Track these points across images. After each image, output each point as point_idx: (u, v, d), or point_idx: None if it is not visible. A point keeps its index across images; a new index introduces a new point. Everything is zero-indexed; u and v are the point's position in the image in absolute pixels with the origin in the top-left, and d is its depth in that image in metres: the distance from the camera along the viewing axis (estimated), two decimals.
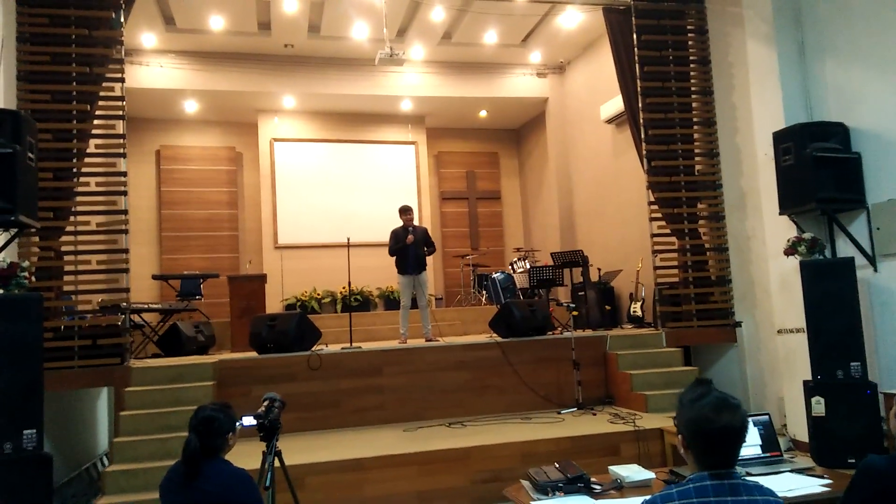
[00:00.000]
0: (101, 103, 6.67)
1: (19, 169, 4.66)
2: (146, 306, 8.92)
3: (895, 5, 5.83)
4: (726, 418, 1.88)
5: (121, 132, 6.73)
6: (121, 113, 6.76)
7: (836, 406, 5.85)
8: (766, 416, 2.99)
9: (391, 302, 11.38)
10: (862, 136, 6.22)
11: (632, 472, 2.77)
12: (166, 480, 2.69)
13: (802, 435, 6.26)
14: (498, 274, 9.93)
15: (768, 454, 2.92)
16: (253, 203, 11.98)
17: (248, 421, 3.15)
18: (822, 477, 2.67)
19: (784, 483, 2.59)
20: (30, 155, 4.87)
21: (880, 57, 6.01)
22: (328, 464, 5.26)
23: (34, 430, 4.55)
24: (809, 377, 6.06)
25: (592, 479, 2.69)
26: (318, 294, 11.20)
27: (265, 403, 3.25)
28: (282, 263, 11.25)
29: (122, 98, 6.77)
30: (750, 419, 3.00)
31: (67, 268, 6.44)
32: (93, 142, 6.70)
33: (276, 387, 6.56)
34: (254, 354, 7.00)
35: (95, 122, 6.66)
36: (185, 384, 6.30)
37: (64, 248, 6.42)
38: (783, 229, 6.62)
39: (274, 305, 10.80)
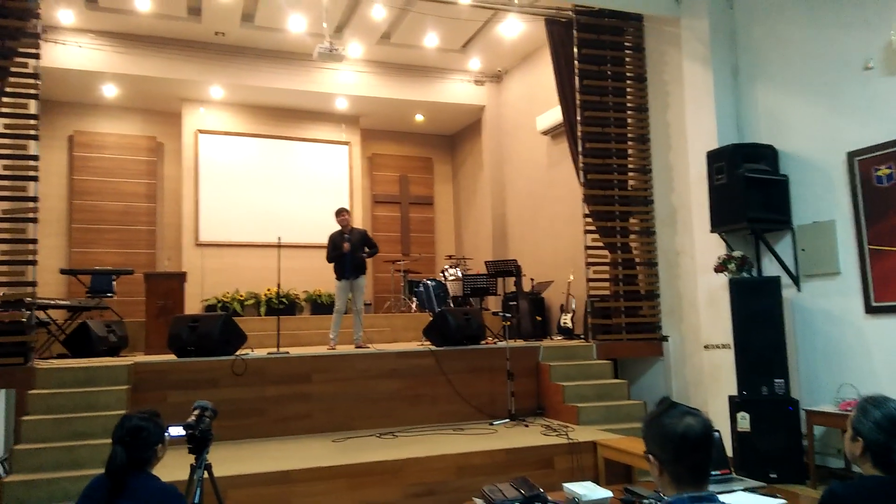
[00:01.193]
0: (11, 80, 6.14)
1: None
2: (53, 302, 8.28)
3: (827, 34, 6.08)
4: (693, 423, 1.83)
5: (33, 112, 6.20)
6: (34, 92, 6.24)
7: (760, 421, 6.01)
8: (716, 433, 2.96)
9: (318, 305, 11.05)
10: (789, 160, 6.45)
11: (587, 489, 2.68)
12: (85, 498, 2.40)
13: (727, 450, 6.40)
14: (430, 280, 9.80)
15: (718, 472, 2.89)
16: (173, 197, 11.40)
17: (177, 431, 2.88)
18: (775, 496, 2.65)
19: (741, 502, 2.55)
20: None
21: (809, 83, 6.26)
22: (253, 476, 4.94)
23: None
24: (734, 392, 6.22)
25: (549, 498, 2.58)
26: (242, 295, 10.75)
27: (195, 412, 2.99)
28: (203, 262, 10.74)
29: (35, 76, 6.25)
30: None
31: None
32: (1, 121, 6.16)
33: (198, 393, 6.18)
34: (172, 357, 6.58)
35: (4, 100, 6.13)
36: (96, 388, 5.84)
37: None
38: (713, 246, 6.79)
39: (194, 306, 10.30)
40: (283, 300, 10.67)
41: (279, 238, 8.13)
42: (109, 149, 11.21)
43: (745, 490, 2.72)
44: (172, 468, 3.59)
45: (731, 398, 6.25)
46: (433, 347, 7.15)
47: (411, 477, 5.18)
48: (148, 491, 2.36)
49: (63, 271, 9.53)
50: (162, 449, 2.52)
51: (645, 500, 2.56)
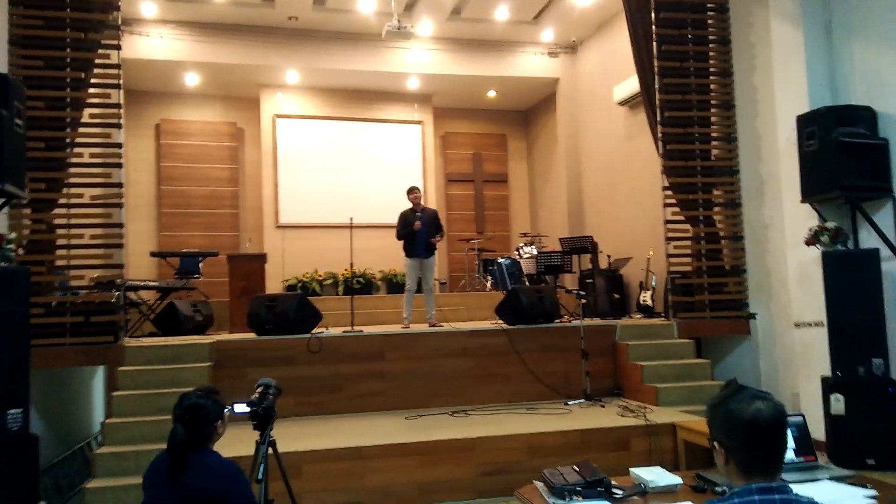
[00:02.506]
0: (96, 71, 6.40)
1: (6, 135, 4.41)
2: (143, 283, 8.68)
3: None
4: (764, 407, 1.67)
5: (116, 101, 6.45)
6: (117, 82, 6.48)
7: (856, 404, 5.62)
8: (801, 417, 2.75)
9: (394, 285, 11.13)
10: (890, 122, 5.94)
11: (655, 475, 2.54)
12: (150, 473, 2.47)
13: (818, 434, 6.02)
14: (504, 259, 9.68)
15: (802, 458, 2.68)
16: (254, 181, 11.72)
17: (241, 408, 2.92)
18: (865, 486, 2.43)
19: (824, 493, 2.35)
20: (17, 121, 4.61)
21: None
22: (326, 451, 5.03)
23: (20, 410, 4.35)
24: (827, 373, 5.84)
25: (613, 483, 2.46)
26: (320, 275, 10.96)
27: (259, 390, 3.03)
28: (283, 243, 11.00)
29: (118, 66, 6.50)
30: None
31: (60, 241, 6.20)
32: (87, 111, 6.44)
33: (274, 370, 6.35)
34: (252, 336, 6.77)
35: (90, 90, 6.40)
36: (180, 365, 6.08)
37: (56, 221, 6.18)
38: (803, 218, 6.36)
39: (274, 286, 10.57)
40: (360, 280, 10.81)
41: (351, 219, 8.19)
42: (194, 136, 11.62)
43: (830, 479, 2.50)
44: (240, 444, 3.66)
45: (823, 379, 5.88)
46: (505, 326, 7.06)
47: (482, 456, 5.13)
48: (208, 467, 2.40)
49: (153, 254, 9.97)
50: (222, 425, 2.56)
51: (717, 488, 2.40)
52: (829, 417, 5.74)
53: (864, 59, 6.20)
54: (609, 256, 9.60)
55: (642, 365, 6.72)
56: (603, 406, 6.42)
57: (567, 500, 2.34)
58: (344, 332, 6.88)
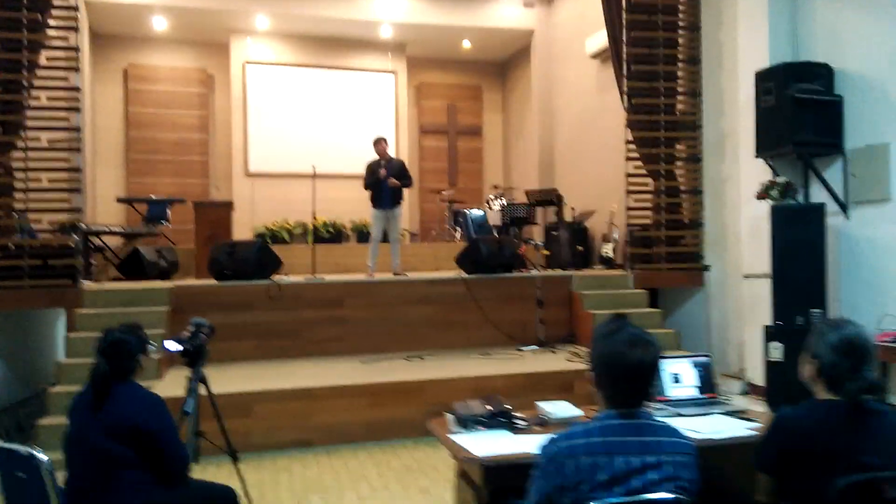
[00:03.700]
0: (54, 13, 6.29)
1: None
2: (106, 229, 8.69)
3: None
4: (639, 353, 1.77)
5: (75, 45, 6.37)
6: (75, 24, 6.39)
7: (795, 352, 5.78)
8: (707, 358, 2.90)
9: (364, 235, 11.16)
10: (846, 79, 6.00)
11: (559, 408, 2.68)
12: (75, 404, 2.57)
13: (760, 380, 6.27)
14: (475, 211, 9.75)
15: (705, 395, 2.83)
16: (224, 128, 11.61)
17: (172, 346, 3.02)
18: (751, 420, 2.58)
19: (711, 424, 2.51)
20: None
21: None
22: (278, 392, 5.19)
23: None
24: (771, 322, 6.03)
25: (517, 415, 2.59)
26: (290, 225, 10.99)
27: (191, 328, 3.11)
28: (253, 192, 10.99)
29: (75, 8, 6.39)
30: (690, 360, 2.91)
31: (18, 185, 6.18)
32: (45, 54, 6.35)
33: (234, 315, 6.47)
34: (212, 281, 6.84)
35: (49, 32, 6.31)
36: (138, 308, 6.16)
37: (14, 165, 6.16)
38: (759, 173, 6.46)
39: (244, 234, 10.59)
40: (329, 229, 10.86)
41: (314, 167, 8.20)
42: (162, 81, 11.46)
43: (722, 413, 2.66)
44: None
45: (765, 328, 6.07)
46: (464, 275, 7.17)
47: (430, 397, 5.30)
48: (130, 398, 2.50)
49: (120, 200, 9.96)
50: (145, 359, 2.64)
51: None
52: (767, 364, 5.95)
53: (825, 16, 6.22)
54: (573, 209, 9.70)
55: (594, 313, 6.89)
56: (554, 352, 6.60)
57: (470, 429, 2.47)
58: (306, 278, 6.96)
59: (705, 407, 2.73)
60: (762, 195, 6.17)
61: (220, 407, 4.90)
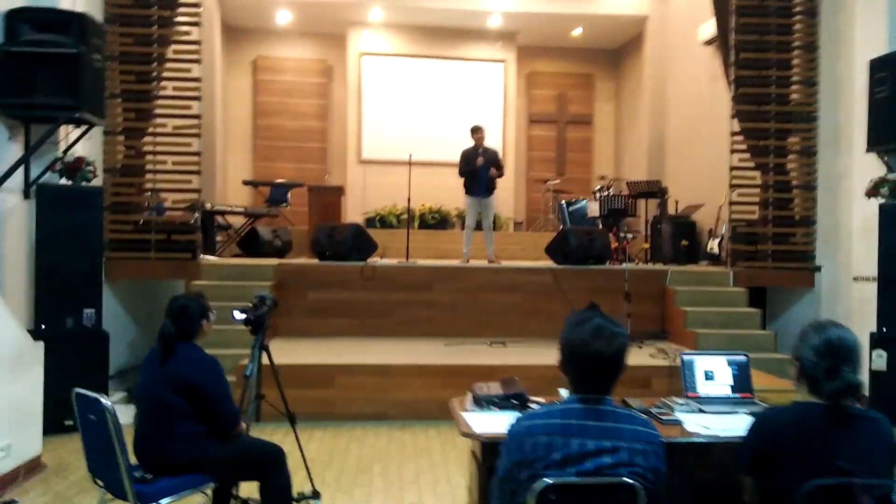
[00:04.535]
0: (180, 10, 6.93)
1: (84, 69, 4.98)
2: (229, 208, 9.45)
3: None
4: (599, 345, 1.83)
5: (197, 38, 6.98)
6: (197, 20, 6.99)
7: None
8: (744, 357, 2.84)
9: None
10: None
11: None
12: (146, 359, 2.94)
13: (867, 390, 5.87)
14: (574, 201, 9.70)
15: (738, 395, 2.79)
16: (341, 117, 12.20)
17: (238, 315, 3.36)
18: None
19: (727, 423, 2.48)
20: (96, 56, 5.19)
21: None
22: (358, 366, 5.53)
23: (93, 310, 5.07)
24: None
25: (532, 399, 2.69)
26: (398, 210, 11.40)
27: (255, 301, 3.44)
28: (364, 178, 11.49)
29: (198, 4, 7.00)
30: (725, 358, 2.86)
31: (148, 167, 6.91)
32: (173, 48, 7.02)
33: (331, 293, 6.91)
34: (314, 261, 7.31)
35: (176, 29, 6.96)
36: (247, 282, 6.71)
37: (145, 149, 6.87)
38: (874, 168, 6.02)
39: (355, 218, 11.05)
40: (435, 215, 11.17)
41: (410, 155, 8.51)
42: (287, 72, 12.21)
43: (750, 414, 2.61)
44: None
45: (871, 335, 5.68)
46: (552, 265, 7.20)
47: None
48: (189, 358, 2.84)
49: (245, 182, 10.76)
50: (207, 324, 2.98)
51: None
52: (871, 373, 5.58)
53: None
54: (677, 202, 9.39)
55: (686, 310, 6.71)
56: (640, 347, 6.50)
57: (484, 409, 2.61)
58: (399, 262, 7.28)
59: (734, 406, 2.70)
60: (871, 192, 5.76)
61: (305, 377, 5.35)
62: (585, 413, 1.83)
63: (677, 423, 2.52)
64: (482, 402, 2.60)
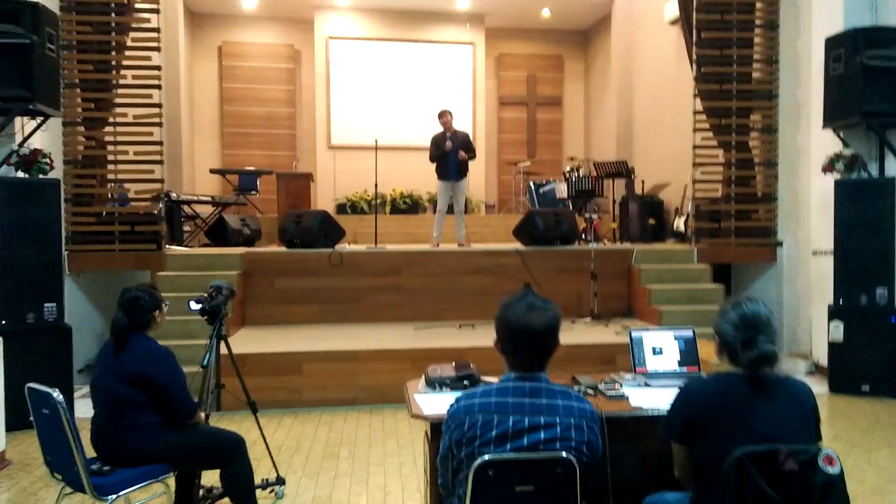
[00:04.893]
0: None
1: (37, 59, 4.91)
2: (195, 198, 9.37)
3: None
4: (528, 320, 1.88)
5: (155, 26, 6.88)
6: (156, 7, 6.88)
7: (857, 332, 5.59)
8: (690, 332, 2.91)
9: None
10: None
11: None
12: (100, 353, 2.93)
13: (826, 360, 6.01)
14: (541, 183, 9.75)
15: (685, 369, 2.86)
16: (309, 102, 12.10)
17: (193, 305, 3.36)
18: None
19: (666, 395, 2.54)
20: (49, 46, 5.10)
21: None
22: (327, 353, 5.55)
23: (54, 304, 5.02)
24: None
25: (484, 379, 2.74)
26: (369, 196, 11.37)
27: (210, 291, 3.44)
28: (334, 164, 11.43)
29: None
30: (672, 333, 2.94)
31: (110, 158, 6.82)
32: (131, 35, 6.91)
33: (299, 280, 6.90)
34: (282, 249, 7.29)
35: (135, 15, 6.84)
36: (213, 272, 6.66)
37: (106, 139, 6.78)
38: (832, 145, 6.14)
39: (326, 205, 11.06)
40: (406, 201, 11.17)
41: (376, 140, 8.48)
42: (253, 57, 12.05)
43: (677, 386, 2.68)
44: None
45: (829, 307, 5.83)
46: (520, 247, 7.26)
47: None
48: (142, 350, 2.84)
49: (212, 171, 10.66)
50: (160, 315, 2.97)
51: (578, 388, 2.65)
52: (830, 344, 5.73)
53: None
54: (643, 182, 9.49)
55: (651, 288, 6.82)
56: (606, 325, 6.60)
57: (437, 390, 2.65)
58: (367, 248, 7.29)
59: (680, 379, 2.75)
60: (827, 168, 5.90)
61: (274, 365, 5.36)
62: (521, 391, 1.88)
63: (623, 397, 2.58)
64: (434, 384, 2.64)
